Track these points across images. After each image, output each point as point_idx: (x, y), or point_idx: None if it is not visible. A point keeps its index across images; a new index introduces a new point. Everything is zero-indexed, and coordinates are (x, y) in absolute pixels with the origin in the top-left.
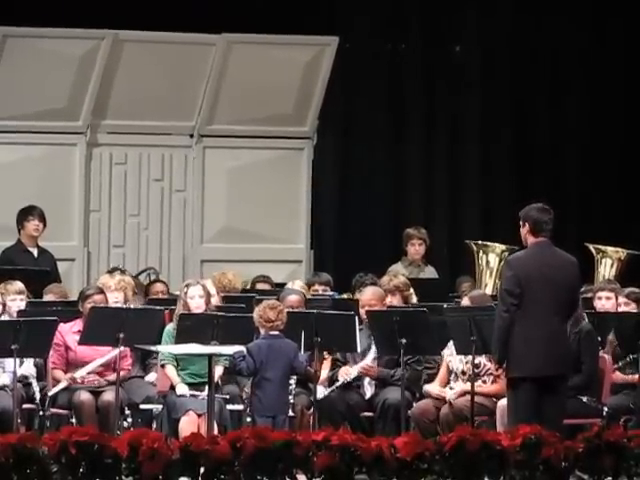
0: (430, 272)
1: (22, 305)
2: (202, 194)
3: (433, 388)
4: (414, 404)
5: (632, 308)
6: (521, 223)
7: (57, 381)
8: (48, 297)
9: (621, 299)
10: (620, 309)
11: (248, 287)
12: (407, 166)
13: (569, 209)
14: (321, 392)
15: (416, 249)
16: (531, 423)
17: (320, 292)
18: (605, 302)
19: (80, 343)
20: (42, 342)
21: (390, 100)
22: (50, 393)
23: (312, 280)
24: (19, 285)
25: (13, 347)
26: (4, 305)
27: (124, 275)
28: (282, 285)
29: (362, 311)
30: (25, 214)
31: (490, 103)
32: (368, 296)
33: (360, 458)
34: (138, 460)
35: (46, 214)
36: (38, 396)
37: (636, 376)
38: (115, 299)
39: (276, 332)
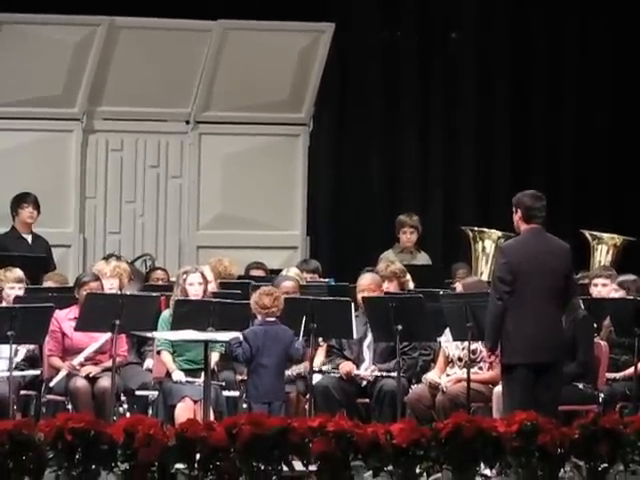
0: (423, 259)
1: (20, 293)
2: (198, 180)
3: (432, 376)
4: (410, 390)
5: (622, 295)
6: (514, 209)
7: (55, 368)
8: (48, 284)
9: (613, 286)
10: (611, 295)
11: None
12: (403, 152)
13: (565, 195)
14: (316, 379)
15: (408, 237)
16: (526, 409)
17: (308, 279)
18: (601, 289)
19: (76, 330)
20: (38, 329)
21: (386, 86)
22: (52, 384)
23: (300, 267)
24: (18, 273)
25: (9, 333)
26: (1, 291)
27: (120, 262)
28: (277, 271)
29: (359, 297)
30: (19, 201)
31: (487, 89)
32: (367, 281)
33: (356, 444)
34: (134, 446)
35: (42, 201)
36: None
37: (630, 370)
38: (111, 286)
39: (272, 318)
